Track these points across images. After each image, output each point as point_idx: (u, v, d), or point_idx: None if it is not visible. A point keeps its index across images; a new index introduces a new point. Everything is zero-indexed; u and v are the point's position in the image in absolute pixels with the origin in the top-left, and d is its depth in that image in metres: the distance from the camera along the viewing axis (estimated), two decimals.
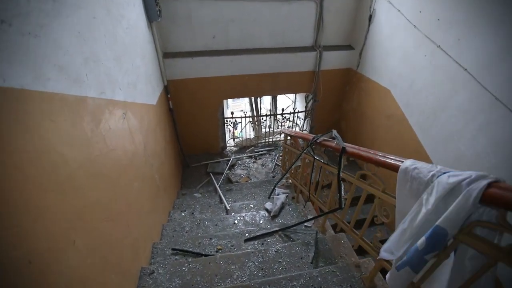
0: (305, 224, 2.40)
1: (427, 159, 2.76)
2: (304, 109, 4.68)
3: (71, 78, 1.19)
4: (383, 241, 1.58)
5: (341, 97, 4.50)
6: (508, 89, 2.01)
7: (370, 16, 3.49)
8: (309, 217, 2.59)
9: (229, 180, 3.99)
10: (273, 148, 4.84)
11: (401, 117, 3.17)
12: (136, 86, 2.16)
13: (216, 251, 2.13)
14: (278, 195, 2.95)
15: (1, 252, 0.76)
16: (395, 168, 1.23)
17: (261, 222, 2.58)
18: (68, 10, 1.20)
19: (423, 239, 0.99)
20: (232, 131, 5.08)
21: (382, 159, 1.32)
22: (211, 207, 3.05)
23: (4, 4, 0.83)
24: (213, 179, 3.85)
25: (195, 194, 3.47)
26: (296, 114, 4.70)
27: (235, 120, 4.48)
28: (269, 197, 3.04)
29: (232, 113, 4.44)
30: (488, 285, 0.90)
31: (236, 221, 2.59)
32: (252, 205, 2.97)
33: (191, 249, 2.13)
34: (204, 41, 3.57)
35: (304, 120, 4.78)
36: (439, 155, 2.67)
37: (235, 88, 4.02)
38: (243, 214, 2.69)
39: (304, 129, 4.89)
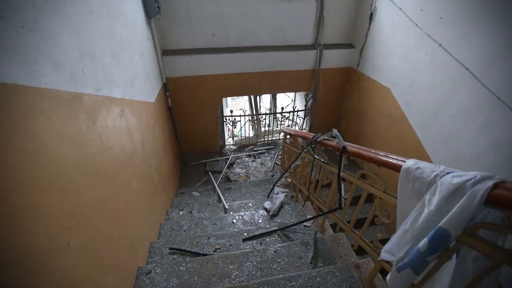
0: (304, 223, 2.39)
1: (427, 159, 2.74)
2: (303, 108, 4.66)
3: (66, 74, 1.16)
4: (382, 241, 1.56)
5: (341, 96, 4.48)
6: (509, 88, 1.99)
7: (371, 14, 3.47)
8: (308, 216, 2.57)
9: (228, 179, 3.97)
10: (272, 147, 4.82)
11: (401, 117, 3.15)
12: (134, 83, 2.13)
13: (214, 251, 2.11)
14: (277, 194, 2.93)
15: None
16: (397, 168, 1.21)
17: (260, 221, 2.56)
18: (63, 4, 1.16)
19: (425, 240, 0.97)
20: (231, 129, 5.06)
21: (384, 158, 1.30)
22: (210, 206, 3.02)
23: None
24: (212, 177, 3.83)
25: (194, 193, 3.45)
26: (295, 113, 4.67)
27: (235, 119, 4.46)
28: (268, 196, 3.02)
29: (231, 111, 4.41)
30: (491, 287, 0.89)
31: (234, 220, 2.57)
32: (251, 204, 2.95)
33: (189, 249, 2.11)
34: (203, 38, 3.54)
35: (304, 119, 4.75)
36: (439, 155, 2.65)
37: (235, 86, 3.99)
38: (242, 213, 2.67)
39: (303, 128, 4.87)
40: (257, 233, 2.26)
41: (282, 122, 4.70)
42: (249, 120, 4.74)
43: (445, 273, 1.04)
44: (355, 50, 3.95)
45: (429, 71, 2.70)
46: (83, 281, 1.18)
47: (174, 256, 2.06)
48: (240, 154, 4.58)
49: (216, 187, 3.47)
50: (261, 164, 4.41)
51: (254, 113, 5.90)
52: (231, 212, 2.80)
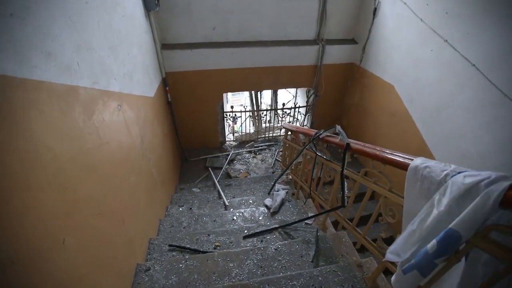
0: (305, 221, 2.35)
1: (430, 157, 2.70)
2: (305, 104, 4.60)
3: (60, 66, 1.11)
4: (385, 240, 1.53)
5: (343, 92, 4.42)
6: None
7: (375, 9, 3.40)
8: (310, 214, 2.54)
9: (228, 175, 3.94)
10: (273, 143, 4.78)
11: (404, 114, 3.10)
12: (132, 77, 2.08)
13: (214, 248, 2.08)
14: (277, 191, 2.90)
15: None
16: (404, 167, 1.16)
17: (260, 218, 2.53)
18: None
19: (434, 242, 0.94)
20: (231, 125, 5.01)
21: (390, 156, 1.26)
22: (210, 202, 2.99)
23: None
24: (212, 174, 3.79)
25: (194, 189, 3.42)
26: (297, 109, 4.62)
27: (235, 114, 4.41)
28: (269, 193, 2.99)
29: (232, 107, 4.36)
30: None
31: (235, 217, 2.54)
32: (251, 201, 2.91)
33: (188, 246, 2.08)
34: (203, 32, 3.47)
35: (305, 115, 4.70)
36: (443, 152, 2.61)
37: (235, 82, 3.93)
38: (242, 210, 2.63)
39: (304, 124, 4.82)
40: (257, 231, 2.23)
41: (283, 118, 4.65)
42: (249, 116, 4.70)
43: (453, 276, 1.00)
44: (358, 45, 3.88)
45: (433, 67, 2.64)
46: (79, 280, 1.15)
47: (174, 253, 2.03)
48: (240, 150, 4.54)
49: (216, 183, 3.43)
50: (262, 160, 4.37)
51: (255, 109, 5.84)
52: (231, 209, 2.77)
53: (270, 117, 5.12)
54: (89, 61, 1.37)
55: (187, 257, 1.89)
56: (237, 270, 1.78)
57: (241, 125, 4.72)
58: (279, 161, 4.30)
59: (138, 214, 1.97)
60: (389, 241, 1.54)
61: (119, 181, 1.67)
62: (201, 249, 2.04)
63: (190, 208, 2.86)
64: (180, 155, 4.24)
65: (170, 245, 2.07)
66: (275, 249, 1.94)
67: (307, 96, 4.58)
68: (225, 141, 4.68)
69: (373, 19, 3.45)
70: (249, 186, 3.43)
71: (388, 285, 1.54)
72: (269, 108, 6.02)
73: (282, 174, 3.11)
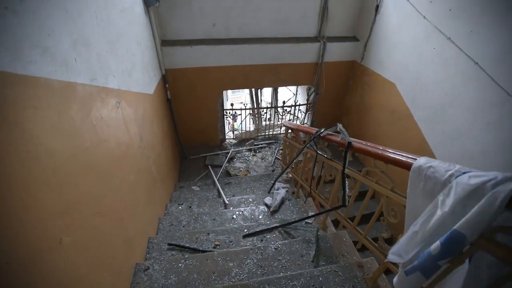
0: (305, 220, 2.34)
1: (431, 155, 2.68)
2: (305, 102, 4.57)
3: (57, 61, 1.08)
4: (386, 240, 1.51)
5: (344, 90, 4.39)
6: None
7: (377, 6, 3.36)
8: (310, 213, 2.53)
9: (228, 173, 3.92)
10: (273, 141, 4.76)
11: (405, 112, 3.08)
12: (131, 74, 2.05)
13: (214, 247, 2.06)
14: (277, 189, 2.88)
15: None
16: (407, 166, 1.14)
17: (260, 217, 2.51)
18: None
19: (437, 243, 0.92)
20: (231, 123, 4.98)
21: (393, 156, 1.24)
22: (209, 201, 2.97)
23: None
24: (212, 172, 3.77)
25: (193, 187, 3.40)
26: (297, 107, 4.59)
27: (235, 112, 4.38)
28: (269, 192, 2.97)
29: (232, 104, 4.33)
30: None
31: (234, 216, 2.52)
32: (251, 200, 2.90)
33: (188, 245, 2.06)
34: (204, 29, 3.44)
35: (305, 113, 4.68)
36: (444, 151, 2.59)
37: (235, 79, 3.90)
38: (242, 209, 2.62)
39: (305, 122, 4.80)
40: (257, 230, 2.21)
41: (283, 117, 4.62)
42: (249, 113, 4.66)
43: (456, 278, 0.99)
44: (360, 43, 3.85)
45: (436, 66, 2.62)
46: (77, 280, 1.13)
47: (173, 252, 2.02)
48: (240, 148, 4.52)
49: (216, 181, 3.41)
50: (262, 158, 4.35)
51: (255, 106, 5.81)
52: (231, 208, 2.75)
53: (270, 115, 5.10)
54: (87, 56, 1.34)
55: (186, 256, 1.87)
56: (237, 270, 1.76)
57: (241, 123, 4.70)
58: (279, 159, 4.28)
59: (137, 213, 1.95)
60: (389, 240, 1.53)
61: (118, 179, 1.65)
62: (201, 248, 2.03)
63: (190, 207, 2.84)
64: (180, 153, 4.22)
65: (169, 244, 2.05)
66: (275, 249, 1.92)
67: (307, 94, 4.55)
68: (225, 139, 4.66)
69: (375, 16, 3.41)
70: (249, 185, 3.42)
71: (389, 285, 1.53)
72: (269, 106, 6.00)
73: (282, 173, 3.09)
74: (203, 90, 3.85)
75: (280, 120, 4.88)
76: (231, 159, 4.26)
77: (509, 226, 0.80)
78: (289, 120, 4.73)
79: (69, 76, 1.17)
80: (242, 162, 4.24)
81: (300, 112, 4.72)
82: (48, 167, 0.98)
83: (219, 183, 3.38)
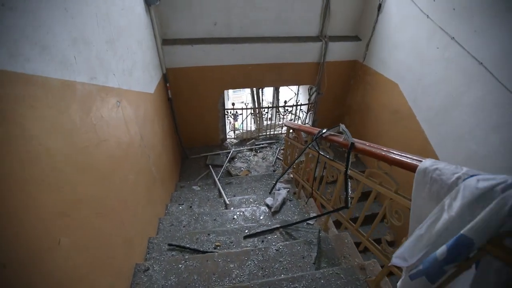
0: (307, 221, 2.32)
1: (433, 156, 2.65)
2: (307, 102, 4.55)
3: (56, 60, 1.06)
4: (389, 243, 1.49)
5: (345, 90, 4.36)
6: None
7: (380, 5, 3.33)
8: (311, 213, 2.51)
9: (228, 173, 3.90)
10: (274, 141, 4.73)
11: (408, 113, 3.05)
12: (132, 73, 2.03)
13: (214, 248, 2.05)
14: (279, 190, 2.86)
15: None
16: (412, 168, 1.12)
17: (261, 218, 2.50)
18: None
19: (444, 248, 0.89)
20: (232, 122, 4.96)
21: (398, 157, 1.21)
22: (210, 201, 2.96)
23: None
24: (212, 171, 3.75)
25: (194, 187, 3.38)
26: (298, 107, 4.57)
27: (236, 112, 4.35)
28: (270, 193, 2.95)
29: (233, 104, 4.31)
30: None
31: (235, 217, 2.50)
32: (252, 200, 2.88)
33: (188, 245, 2.04)
34: (205, 27, 3.41)
35: (307, 113, 4.65)
36: (448, 153, 2.57)
37: (237, 78, 3.88)
38: (243, 209, 2.60)
39: (306, 122, 4.77)
40: (258, 231, 2.19)
41: (285, 116, 4.60)
42: (251, 113, 4.64)
43: (462, 283, 0.96)
44: (362, 42, 3.82)
45: (439, 66, 2.59)
46: (76, 281, 1.12)
47: (173, 253, 2.00)
48: (241, 148, 4.50)
49: (217, 181, 3.40)
50: (263, 158, 4.33)
51: (256, 106, 5.79)
52: (232, 208, 2.74)
53: (271, 114, 5.07)
54: (87, 55, 1.32)
55: (186, 257, 1.85)
56: (238, 271, 1.75)
57: (242, 123, 4.68)
58: (280, 159, 4.26)
59: (137, 213, 1.93)
60: (391, 243, 1.50)
61: (118, 179, 1.63)
62: (201, 249, 2.01)
63: (190, 207, 2.83)
64: (181, 152, 4.20)
65: (169, 245, 2.03)
66: (276, 250, 1.90)
67: (309, 94, 4.53)
68: (226, 139, 4.64)
69: (378, 15, 3.38)
70: (250, 185, 3.40)
71: None
72: (270, 105, 5.97)
73: (283, 173, 3.07)
74: (204, 89, 3.82)
75: (281, 120, 4.86)
76: (232, 159, 4.24)
77: None
78: (291, 120, 4.70)
79: (69, 74, 1.15)
80: (243, 162, 4.22)
81: (302, 112, 4.69)
82: (46, 167, 0.97)
83: (220, 183, 3.37)
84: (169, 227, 2.37)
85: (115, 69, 1.68)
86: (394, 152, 1.27)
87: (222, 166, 3.98)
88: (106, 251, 1.41)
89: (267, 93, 7.86)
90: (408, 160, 1.15)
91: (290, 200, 2.75)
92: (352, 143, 1.58)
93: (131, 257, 1.75)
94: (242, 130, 4.83)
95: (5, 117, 0.80)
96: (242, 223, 2.42)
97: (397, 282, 1.23)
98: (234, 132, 4.96)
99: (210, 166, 3.95)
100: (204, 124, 4.26)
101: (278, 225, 2.25)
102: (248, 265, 1.79)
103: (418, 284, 1.00)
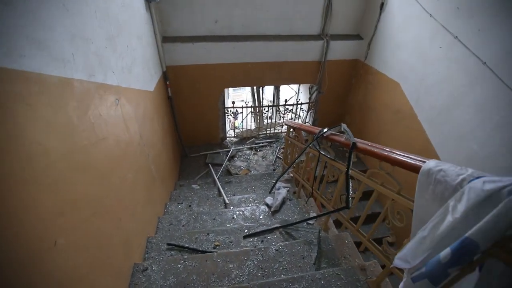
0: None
1: (435, 158, 2.61)
2: (307, 101, 4.53)
3: (52, 56, 1.04)
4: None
5: (347, 89, 4.34)
6: None
7: (382, 4, 3.30)
8: (311, 213, 2.49)
9: (228, 172, 3.88)
10: (274, 140, 4.72)
11: (409, 112, 3.03)
12: (131, 70, 2.01)
13: (214, 248, 2.03)
14: (278, 189, 2.84)
15: None
16: (415, 169, 1.10)
17: (261, 217, 2.48)
18: None
19: (448, 251, 0.88)
20: (232, 121, 4.94)
21: (401, 158, 1.20)
22: (209, 200, 2.94)
23: None
24: (212, 170, 3.74)
25: (193, 186, 3.36)
26: (299, 106, 4.54)
27: (236, 110, 4.33)
28: (270, 192, 2.93)
29: (233, 102, 4.29)
30: None
31: (235, 216, 2.49)
32: (251, 199, 2.86)
33: (187, 245, 2.03)
34: (206, 25, 3.38)
35: (307, 112, 4.63)
36: (449, 153, 2.55)
37: (237, 77, 3.85)
38: (243, 209, 2.58)
39: (306, 121, 4.75)
40: (258, 230, 2.18)
41: (285, 115, 4.58)
42: (251, 112, 4.62)
43: (465, 285, 0.95)
44: (363, 41, 3.79)
45: (442, 65, 2.56)
46: (75, 282, 1.10)
47: (172, 253, 1.99)
48: (241, 147, 4.48)
49: (216, 180, 3.38)
50: (263, 157, 4.32)
51: (257, 105, 5.76)
52: (231, 207, 2.72)
53: (271, 113, 5.05)
54: (85, 52, 1.30)
55: (185, 257, 1.84)
56: (237, 272, 1.73)
57: (242, 121, 4.66)
58: (280, 158, 4.24)
59: (136, 212, 1.92)
60: (390, 243, 1.48)
61: (117, 178, 1.61)
62: (200, 249, 1.99)
63: (190, 206, 2.81)
64: (180, 151, 4.18)
65: (168, 244, 2.02)
66: (276, 250, 1.89)
67: (309, 93, 4.51)
68: (225, 137, 4.62)
69: (380, 14, 3.35)
70: (250, 184, 3.38)
71: None
72: (271, 104, 5.95)
73: (284, 173, 3.05)
74: (204, 87, 3.80)
75: (281, 118, 4.84)
76: (232, 157, 4.23)
77: None
78: (291, 118, 4.68)
79: (66, 71, 1.13)
80: (243, 161, 4.20)
81: (302, 110, 4.67)
82: (42, 166, 0.95)
83: (219, 181, 3.35)
84: (168, 226, 2.36)
85: (114, 66, 1.66)
86: (397, 152, 1.25)
87: (221, 164, 3.96)
88: (104, 251, 1.39)
89: (268, 92, 7.83)
90: (411, 161, 1.13)
91: (290, 200, 2.74)
92: (354, 143, 1.56)
93: (130, 257, 1.73)
94: (242, 128, 4.81)
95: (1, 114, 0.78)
96: (242, 223, 2.40)
97: (397, 282, 1.21)
98: (234, 131, 4.94)
99: (209, 164, 3.93)
100: (204, 123, 4.24)
101: (278, 225, 2.24)
102: (248, 265, 1.77)
103: (421, 286, 0.98)
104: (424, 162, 1.07)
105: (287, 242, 1.99)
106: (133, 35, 2.13)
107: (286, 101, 4.42)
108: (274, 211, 2.55)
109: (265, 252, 1.87)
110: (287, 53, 3.70)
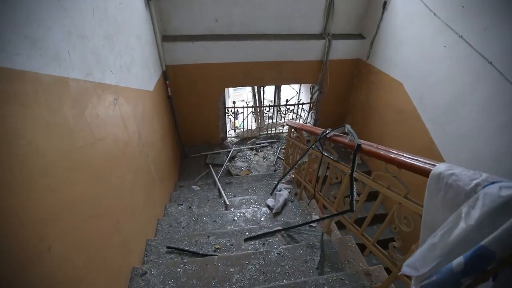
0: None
1: (439, 158, 2.60)
2: (309, 101, 4.48)
3: (48, 55, 1.00)
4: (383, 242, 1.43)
5: (348, 88, 4.30)
6: None
7: (385, 3, 3.26)
8: (314, 215, 2.45)
9: (229, 173, 3.84)
10: (275, 140, 4.67)
11: (413, 112, 2.98)
12: (130, 70, 1.96)
13: (214, 251, 1.99)
14: (280, 190, 2.80)
15: None
16: (424, 172, 1.06)
17: (262, 219, 2.44)
18: None
19: (461, 259, 0.83)
20: (233, 121, 4.89)
21: (409, 161, 1.15)
22: (210, 201, 2.90)
23: None
24: (212, 171, 3.69)
25: (193, 187, 3.32)
26: (300, 106, 4.50)
27: (237, 110, 4.29)
28: (271, 194, 2.89)
29: (233, 102, 4.24)
30: None
31: (235, 218, 2.44)
32: (252, 201, 2.82)
33: (187, 248, 1.99)
34: (206, 24, 3.34)
35: (309, 112, 4.58)
36: (453, 154, 2.51)
37: (238, 76, 3.81)
38: (243, 210, 2.54)
39: (308, 121, 4.71)
40: (259, 233, 2.14)
41: (286, 115, 4.53)
42: (251, 112, 4.58)
43: None
44: (366, 41, 3.74)
45: (446, 65, 2.52)
46: (73, 286, 1.06)
47: (172, 256, 1.94)
48: (242, 147, 4.44)
49: (217, 181, 3.34)
50: (264, 158, 4.27)
51: (257, 105, 5.72)
52: (232, 209, 2.68)
53: (272, 113, 5.00)
54: (82, 50, 1.26)
55: (185, 260, 1.80)
56: (238, 276, 1.69)
57: (242, 121, 4.61)
58: (281, 158, 4.20)
59: (135, 214, 1.88)
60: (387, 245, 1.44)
61: (115, 179, 1.57)
62: (201, 252, 1.95)
63: (190, 207, 2.77)
64: (180, 151, 4.14)
65: (168, 247, 1.98)
66: (278, 254, 1.85)
67: (311, 93, 4.46)
68: (226, 138, 4.58)
69: (383, 13, 3.31)
70: (251, 185, 3.34)
71: None
72: (271, 104, 5.90)
73: (285, 175, 3.01)
74: (204, 87, 3.76)
75: (282, 118, 4.79)
76: (233, 158, 4.18)
77: None
78: (292, 119, 4.64)
79: (62, 70, 1.08)
80: (244, 161, 4.16)
81: (303, 111, 4.63)
82: (37, 168, 0.91)
83: (220, 182, 3.31)
84: (167, 228, 2.32)
85: (112, 65, 1.62)
86: (405, 154, 1.20)
87: (222, 165, 3.92)
88: (102, 254, 1.35)
89: (269, 92, 7.78)
90: (420, 164, 1.09)
91: (291, 201, 2.70)
92: (359, 145, 1.52)
93: (128, 260, 1.69)
94: (243, 129, 4.76)
95: None
96: (243, 225, 2.36)
97: (400, 285, 1.17)
98: (235, 131, 4.89)
99: (210, 165, 3.89)
100: (204, 123, 4.19)
101: (279, 227, 2.20)
102: (249, 270, 1.73)
103: None
104: (434, 165, 1.03)
105: (289, 246, 1.95)
106: (132, 34, 2.09)
107: (287, 101, 4.38)
108: (276, 213, 2.51)
109: (266, 255, 1.83)
110: (288, 52, 3.65)
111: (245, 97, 8.38)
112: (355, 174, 1.61)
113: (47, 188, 0.96)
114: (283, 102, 4.56)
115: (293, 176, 3.14)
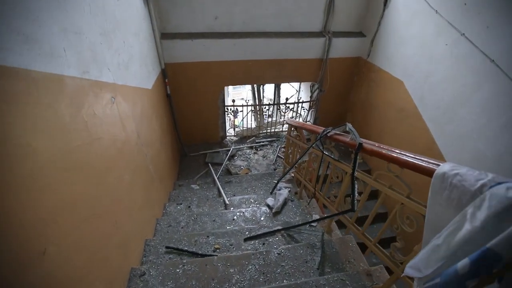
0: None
1: (440, 157, 2.58)
2: (309, 99, 4.46)
3: (42, 51, 0.97)
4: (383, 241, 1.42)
5: (349, 87, 4.27)
6: None
7: (386, 0, 3.23)
8: (314, 215, 2.43)
9: (228, 172, 3.82)
10: (275, 139, 4.65)
11: (413, 111, 2.96)
12: (128, 67, 1.93)
13: (214, 251, 1.97)
14: (280, 190, 2.78)
15: None
16: (428, 172, 1.04)
17: (262, 219, 2.42)
18: None
19: (466, 261, 0.82)
20: (232, 120, 4.87)
21: (412, 160, 1.13)
22: (209, 200, 2.88)
23: None
24: (212, 170, 3.67)
25: (193, 186, 3.30)
26: (300, 104, 4.48)
27: (236, 109, 4.26)
28: (271, 193, 2.87)
29: (233, 101, 4.22)
30: None
31: (235, 217, 2.42)
32: (252, 200, 2.80)
33: (186, 248, 1.97)
34: (205, 22, 3.30)
35: (308, 110, 4.56)
36: (455, 153, 2.49)
37: (237, 74, 3.78)
38: (243, 210, 2.52)
39: (307, 120, 4.69)
40: (259, 233, 2.12)
41: (286, 114, 4.51)
42: (251, 110, 4.55)
43: None
44: (366, 39, 3.72)
45: (448, 63, 2.50)
46: None
47: (171, 256, 1.92)
48: (241, 146, 4.42)
49: (216, 180, 3.31)
50: (263, 156, 4.25)
51: (257, 103, 5.69)
52: (232, 208, 2.66)
53: (272, 112, 4.98)
54: (78, 47, 1.23)
55: (184, 261, 1.78)
56: (238, 276, 1.67)
57: (242, 120, 4.59)
58: (281, 157, 4.18)
59: (133, 214, 1.85)
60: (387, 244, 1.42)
61: (113, 178, 1.55)
62: (200, 252, 1.93)
63: (189, 207, 2.75)
64: (179, 150, 4.11)
65: (167, 247, 1.96)
66: (278, 254, 1.83)
67: (311, 91, 4.43)
68: (225, 136, 4.55)
69: (384, 10, 3.28)
70: (250, 184, 3.32)
71: None
72: (271, 102, 5.87)
73: (285, 174, 2.99)
74: (204, 85, 3.73)
75: (282, 117, 4.77)
76: (232, 156, 4.16)
77: None
78: (292, 117, 4.61)
79: (57, 68, 1.06)
80: (243, 160, 4.14)
81: (303, 109, 4.60)
82: (31, 168, 0.88)
83: (219, 181, 3.29)
84: (166, 228, 2.29)
85: (110, 63, 1.59)
86: (407, 154, 1.18)
87: (221, 164, 3.90)
88: (101, 255, 1.33)
89: (268, 90, 7.76)
90: (424, 164, 1.07)
91: (291, 201, 2.68)
92: (360, 144, 1.50)
93: (126, 261, 1.67)
94: (242, 127, 4.74)
95: None
96: (242, 225, 2.34)
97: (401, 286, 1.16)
98: (234, 130, 4.87)
99: (209, 164, 3.87)
100: (204, 121, 4.16)
101: (279, 227, 2.18)
102: (249, 270, 1.71)
103: None
104: (438, 165, 1.00)
105: (290, 245, 1.93)
106: (131, 31, 2.06)
107: (287, 99, 4.35)
108: (276, 212, 2.49)
109: (266, 255, 1.81)
110: (288, 51, 3.62)
111: (245, 95, 8.36)
112: (356, 173, 1.59)
113: (43, 189, 0.93)
114: (283, 100, 4.54)
115: (293, 175, 3.12)
